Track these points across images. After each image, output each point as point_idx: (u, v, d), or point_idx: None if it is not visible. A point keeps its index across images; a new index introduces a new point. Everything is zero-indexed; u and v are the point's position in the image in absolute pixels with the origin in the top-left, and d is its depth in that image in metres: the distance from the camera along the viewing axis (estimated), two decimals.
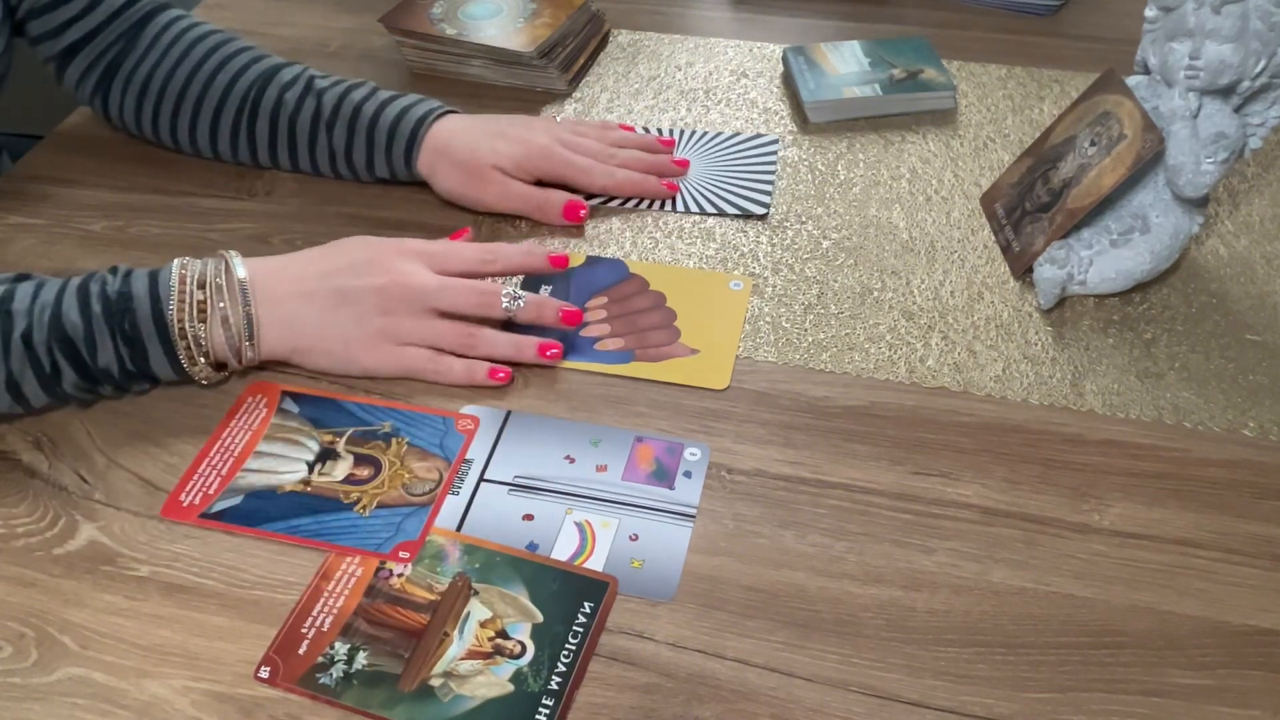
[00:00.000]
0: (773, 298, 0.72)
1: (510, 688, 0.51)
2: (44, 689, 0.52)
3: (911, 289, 0.72)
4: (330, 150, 0.79)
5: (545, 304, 0.68)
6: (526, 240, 0.77)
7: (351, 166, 0.79)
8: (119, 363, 0.61)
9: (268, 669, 0.52)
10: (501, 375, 0.66)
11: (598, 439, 0.63)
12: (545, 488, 0.60)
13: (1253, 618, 0.54)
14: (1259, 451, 0.62)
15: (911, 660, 0.52)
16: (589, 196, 0.79)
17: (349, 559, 0.57)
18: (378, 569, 0.56)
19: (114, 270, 0.63)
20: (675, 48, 0.97)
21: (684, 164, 0.83)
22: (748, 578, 0.56)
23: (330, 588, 0.56)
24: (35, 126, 1.06)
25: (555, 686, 0.51)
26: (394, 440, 0.63)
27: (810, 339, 0.69)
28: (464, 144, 0.76)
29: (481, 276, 0.69)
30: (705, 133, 0.86)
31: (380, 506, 0.59)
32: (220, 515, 0.59)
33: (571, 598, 0.55)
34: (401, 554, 0.57)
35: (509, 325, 0.68)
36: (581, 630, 0.53)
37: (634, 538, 0.58)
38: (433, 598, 0.55)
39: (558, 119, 0.85)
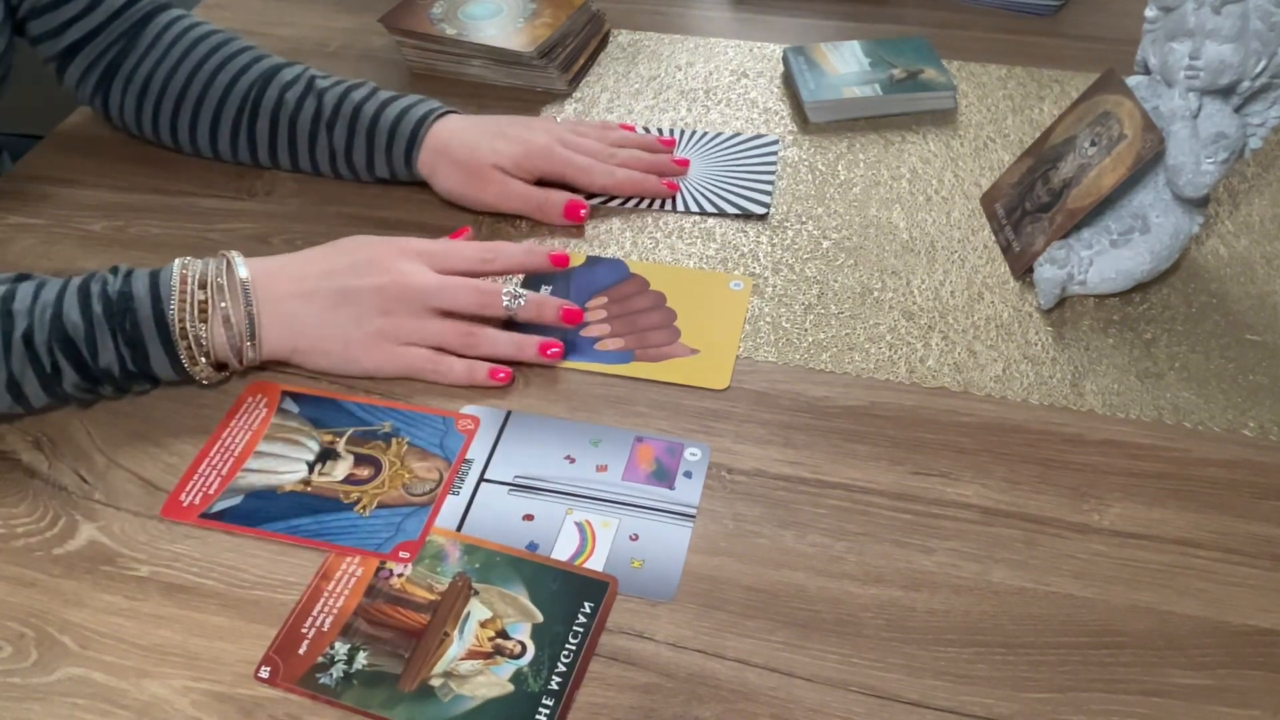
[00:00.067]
0: (773, 298, 0.72)
1: (510, 688, 0.51)
2: (44, 689, 0.52)
3: (912, 289, 0.72)
4: (330, 150, 0.79)
5: (546, 303, 0.68)
6: (527, 240, 0.77)
7: (351, 166, 0.79)
8: (120, 363, 0.61)
9: (268, 669, 0.52)
10: (502, 376, 0.66)
11: (598, 439, 0.63)
12: (545, 488, 0.60)
13: (1253, 618, 0.54)
14: (1259, 451, 0.62)
15: (911, 660, 0.52)
16: (589, 196, 0.79)
17: (349, 559, 0.57)
18: (378, 569, 0.56)
19: (115, 270, 0.63)
20: (675, 48, 0.97)
21: (684, 163, 0.83)
22: (748, 578, 0.56)
23: (330, 588, 0.56)
24: (35, 126, 1.06)
25: (555, 686, 0.51)
26: (394, 440, 0.63)
27: (810, 339, 0.69)
28: (464, 143, 0.76)
29: (482, 275, 0.69)
30: (705, 133, 0.86)
31: (380, 506, 0.59)
32: (220, 515, 0.59)
33: (571, 598, 0.55)
34: (401, 554, 0.57)
35: (510, 324, 0.68)
36: (581, 630, 0.53)
37: (634, 538, 0.58)
38: (433, 598, 0.55)
39: (558, 119, 0.85)
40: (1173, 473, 0.61)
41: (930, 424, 0.64)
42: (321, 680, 0.52)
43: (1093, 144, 0.70)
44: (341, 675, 0.52)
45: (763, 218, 0.78)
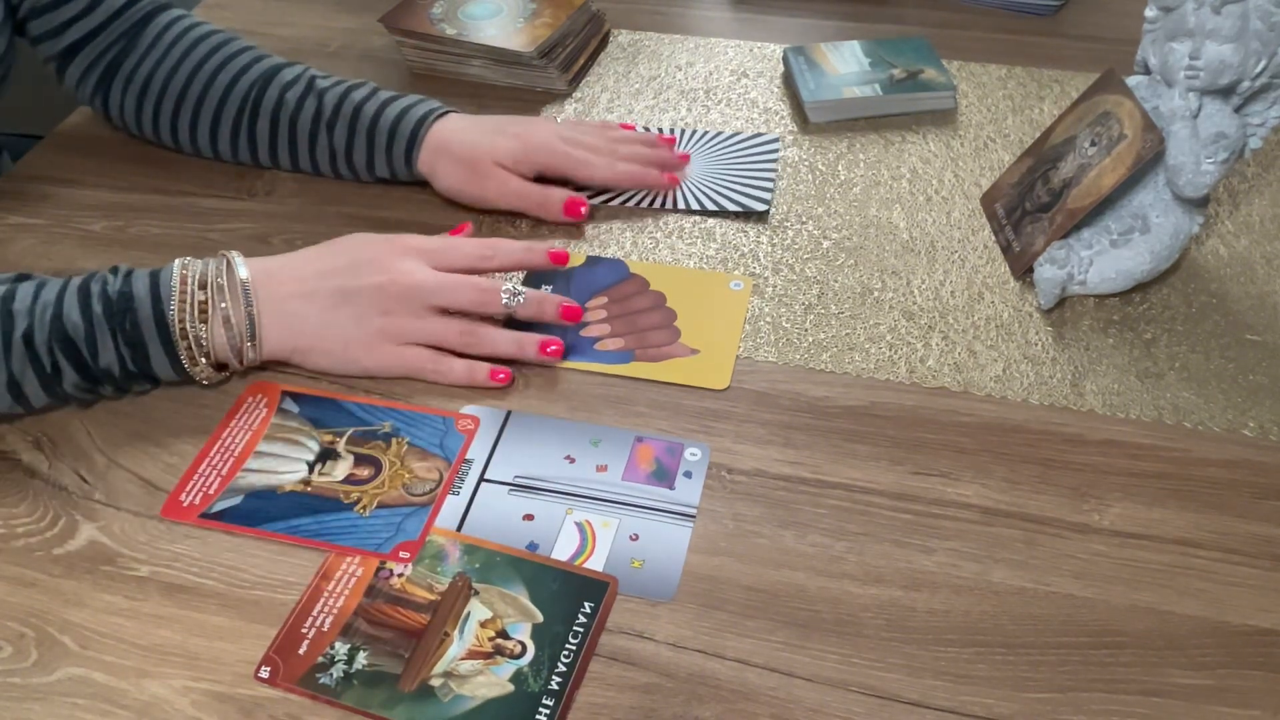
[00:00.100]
0: (773, 298, 0.72)
1: (510, 688, 0.51)
2: (44, 689, 0.52)
3: (912, 289, 0.72)
4: (331, 150, 0.79)
5: (545, 300, 0.68)
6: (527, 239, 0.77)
7: (352, 166, 0.79)
8: (120, 363, 0.61)
9: (268, 669, 0.52)
10: (502, 376, 0.66)
11: (598, 439, 0.63)
12: (545, 488, 0.60)
13: (1253, 618, 0.54)
14: (1259, 451, 0.62)
15: (911, 660, 0.52)
16: (591, 197, 0.79)
17: (349, 559, 0.57)
18: (378, 569, 0.56)
19: (115, 270, 0.63)
20: (675, 48, 0.97)
21: (685, 158, 0.83)
22: (748, 578, 0.56)
23: (330, 588, 0.56)
24: (35, 126, 1.06)
25: (555, 686, 0.51)
26: (394, 440, 0.63)
27: (810, 339, 0.69)
28: (464, 141, 0.76)
29: (481, 273, 0.68)
30: (706, 132, 0.86)
31: (380, 506, 0.59)
32: (220, 515, 0.59)
33: (571, 598, 0.55)
34: (402, 554, 0.57)
35: (511, 323, 0.68)
36: (582, 630, 0.53)
37: (634, 538, 0.58)
38: (433, 598, 0.55)
39: (558, 119, 0.85)
40: (1173, 473, 0.61)
41: (930, 424, 0.64)
42: (321, 680, 0.52)
43: (1093, 144, 0.71)
44: (341, 675, 0.52)
45: (764, 215, 0.78)
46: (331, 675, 0.52)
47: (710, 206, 0.79)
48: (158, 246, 0.77)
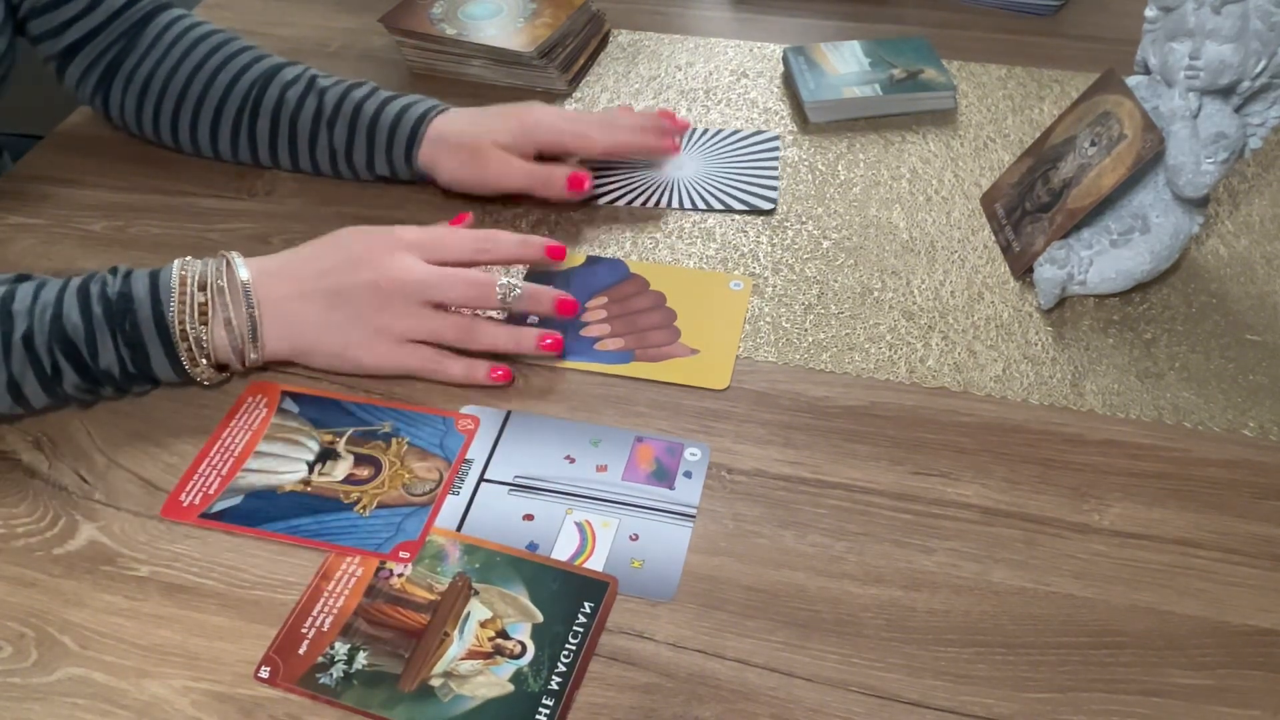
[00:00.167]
0: (773, 298, 0.72)
1: (510, 688, 0.51)
2: (44, 689, 0.52)
3: (912, 289, 0.72)
4: (331, 149, 0.79)
5: (542, 294, 0.67)
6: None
7: (352, 165, 0.79)
8: (120, 364, 0.61)
9: (268, 669, 0.52)
10: (501, 374, 0.66)
11: (598, 439, 0.63)
12: (545, 488, 0.60)
13: (1253, 618, 0.54)
14: (1259, 451, 0.62)
15: (911, 660, 0.52)
16: (597, 180, 0.79)
17: (349, 559, 0.57)
18: (378, 569, 0.56)
19: (114, 271, 0.63)
20: (675, 48, 0.97)
21: (684, 125, 0.84)
22: (748, 578, 0.56)
23: (330, 588, 0.56)
24: (35, 126, 1.06)
25: (555, 686, 0.51)
26: (394, 440, 0.63)
27: (810, 339, 0.69)
28: (462, 128, 0.77)
29: (476, 266, 0.68)
30: (705, 129, 0.86)
31: (380, 506, 0.59)
32: (220, 515, 0.59)
33: (571, 598, 0.55)
34: (401, 554, 0.57)
35: (510, 318, 0.68)
36: (581, 630, 0.53)
37: (634, 538, 0.58)
38: (433, 598, 0.55)
39: None
40: (1173, 473, 0.61)
41: (930, 424, 0.64)
42: (321, 680, 0.52)
43: (1093, 144, 0.70)
44: (341, 675, 0.52)
45: (770, 213, 0.78)
46: (331, 675, 0.52)
47: (716, 206, 0.79)
48: (158, 246, 0.77)
